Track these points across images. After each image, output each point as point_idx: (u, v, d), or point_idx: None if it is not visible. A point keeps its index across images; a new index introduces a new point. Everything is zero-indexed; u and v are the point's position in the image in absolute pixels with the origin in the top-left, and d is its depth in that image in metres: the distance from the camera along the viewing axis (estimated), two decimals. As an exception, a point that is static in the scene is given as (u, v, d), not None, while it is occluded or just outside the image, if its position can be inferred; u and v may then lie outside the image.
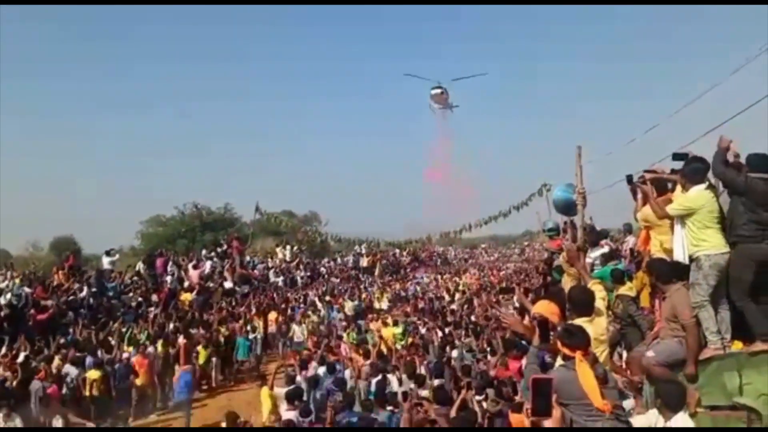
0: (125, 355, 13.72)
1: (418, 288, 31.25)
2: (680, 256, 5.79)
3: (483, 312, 22.00)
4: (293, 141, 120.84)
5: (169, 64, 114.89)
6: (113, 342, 14.26)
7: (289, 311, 21.11)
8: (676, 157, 6.50)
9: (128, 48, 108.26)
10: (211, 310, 19.37)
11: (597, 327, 5.08)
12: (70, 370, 12.43)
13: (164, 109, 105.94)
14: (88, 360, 12.70)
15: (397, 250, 37.49)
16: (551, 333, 4.41)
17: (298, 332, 18.60)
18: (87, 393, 12.28)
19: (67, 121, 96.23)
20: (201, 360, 15.14)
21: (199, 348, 15.21)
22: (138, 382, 13.34)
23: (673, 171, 6.68)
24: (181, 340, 14.40)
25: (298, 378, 11.35)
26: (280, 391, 10.39)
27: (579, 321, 4.94)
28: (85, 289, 17.46)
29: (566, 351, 4.10)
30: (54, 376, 11.90)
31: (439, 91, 45.49)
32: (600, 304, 5.21)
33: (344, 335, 17.78)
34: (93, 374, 12.38)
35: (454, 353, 13.50)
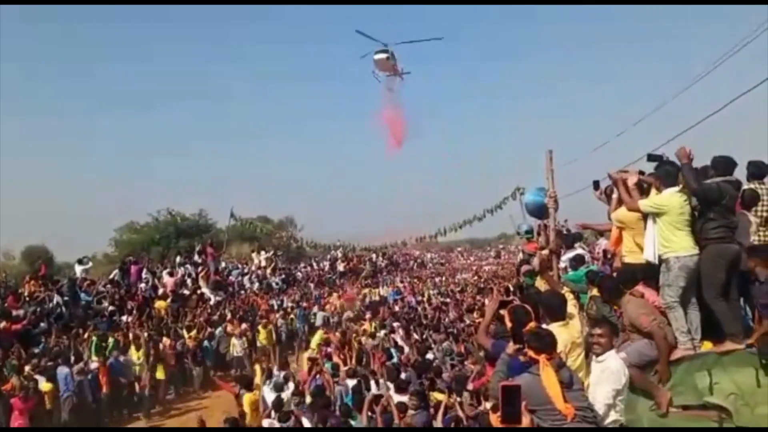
0: (93, 365, 13.60)
1: (392, 292, 31.10)
2: (651, 255, 5.89)
3: (458, 315, 22.09)
4: (267, 144, 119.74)
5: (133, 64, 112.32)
6: (85, 352, 14.17)
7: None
8: (651, 158, 6.60)
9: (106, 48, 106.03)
10: (185, 317, 19.15)
11: (572, 330, 5.18)
12: (41, 381, 12.31)
13: (138, 112, 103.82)
14: (61, 370, 12.60)
15: (374, 255, 37.42)
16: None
17: (238, 346, 17.80)
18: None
19: (43, 126, 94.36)
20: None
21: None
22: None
23: (641, 173, 6.79)
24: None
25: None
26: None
27: (554, 325, 5.03)
28: (57, 297, 17.20)
29: (532, 354, 4.16)
30: (24, 386, 11.74)
31: (383, 56, 35.41)
32: (571, 308, 5.30)
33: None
34: (45, 386, 12.31)
35: (430, 356, 13.51)
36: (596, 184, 8.12)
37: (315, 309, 24.07)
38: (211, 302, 21.92)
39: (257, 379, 12.09)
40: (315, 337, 17.11)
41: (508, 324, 4.90)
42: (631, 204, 6.19)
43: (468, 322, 19.37)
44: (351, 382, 10.75)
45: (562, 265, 10.15)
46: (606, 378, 4.68)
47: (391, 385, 10.19)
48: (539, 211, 10.10)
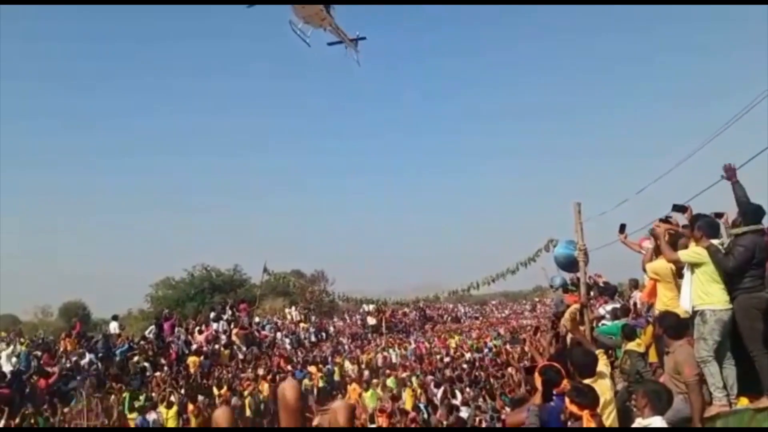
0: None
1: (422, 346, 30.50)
2: (686, 305, 5.79)
3: (495, 371, 21.64)
4: (301, 199, 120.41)
5: (173, 117, 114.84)
6: (116, 408, 14.16)
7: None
8: (676, 208, 6.61)
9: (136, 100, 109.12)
10: (217, 374, 19.07)
11: (602, 387, 5.05)
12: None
13: (174, 168, 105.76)
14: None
15: (406, 309, 37.06)
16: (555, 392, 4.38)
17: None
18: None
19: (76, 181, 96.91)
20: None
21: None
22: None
23: (667, 219, 6.78)
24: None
25: None
26: None
27: (583, 382, 4.91)
28: (89, 355, 17.31)
29: (574, 409, 4.08)
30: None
31: None
32: (603, 367, 5.19)
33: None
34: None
35: (464, 413, 13.20)
36: (622, 228, 8.10)
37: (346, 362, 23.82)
38: (240, 356, 21.86)
39: None
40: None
41: (539, 385, 4.81)
42: (670, 255, 6.14)
43: (505, 377, 18.98)
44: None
45: (601, 312, 10.04)
46: None
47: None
48: (569, 264, 9.96)
